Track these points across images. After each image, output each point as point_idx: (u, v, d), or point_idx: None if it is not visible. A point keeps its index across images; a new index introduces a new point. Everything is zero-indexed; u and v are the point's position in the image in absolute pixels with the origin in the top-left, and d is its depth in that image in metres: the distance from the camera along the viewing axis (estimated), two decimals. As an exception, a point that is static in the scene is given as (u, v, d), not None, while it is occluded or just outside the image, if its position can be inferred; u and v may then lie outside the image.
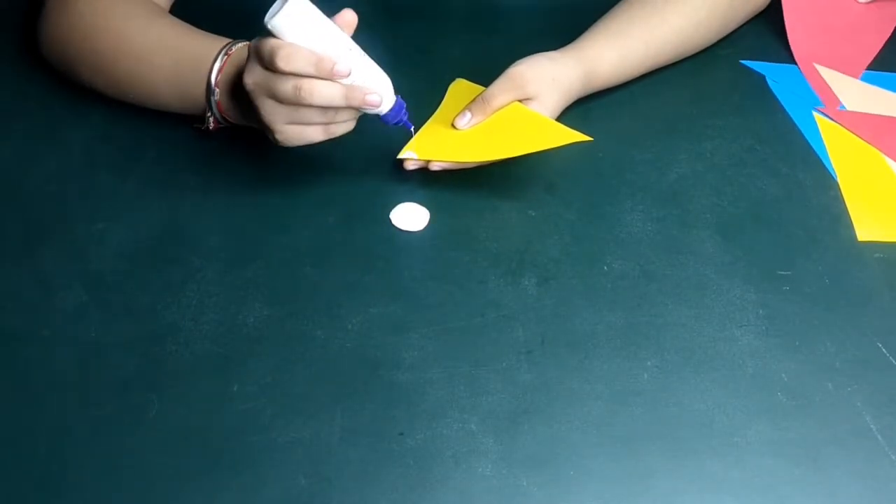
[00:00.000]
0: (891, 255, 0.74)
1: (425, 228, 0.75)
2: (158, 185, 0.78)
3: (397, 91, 0.72)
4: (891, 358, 0.68)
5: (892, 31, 0.93)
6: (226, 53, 0.75)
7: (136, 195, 0.77)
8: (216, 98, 0.75)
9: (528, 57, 0.80)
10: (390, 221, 0.76)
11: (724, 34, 0.91)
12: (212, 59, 0.75)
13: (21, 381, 0.65)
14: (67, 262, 0.72)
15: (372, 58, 0.70)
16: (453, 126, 0.78)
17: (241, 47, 0.75)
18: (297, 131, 0.70)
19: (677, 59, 0.88)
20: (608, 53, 0.83)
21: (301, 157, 0.75)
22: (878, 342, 0.69)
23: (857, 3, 0.94)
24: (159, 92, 0.78)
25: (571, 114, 0.82)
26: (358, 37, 0.70)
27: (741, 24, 0.92)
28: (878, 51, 0.91)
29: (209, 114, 0.76)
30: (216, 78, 0.74)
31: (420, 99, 0.83)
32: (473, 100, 0.78)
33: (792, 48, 0.91)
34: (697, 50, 0.89)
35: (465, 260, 0.73)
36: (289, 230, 0.75)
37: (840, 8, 0.94)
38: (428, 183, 0.78)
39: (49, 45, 0.82)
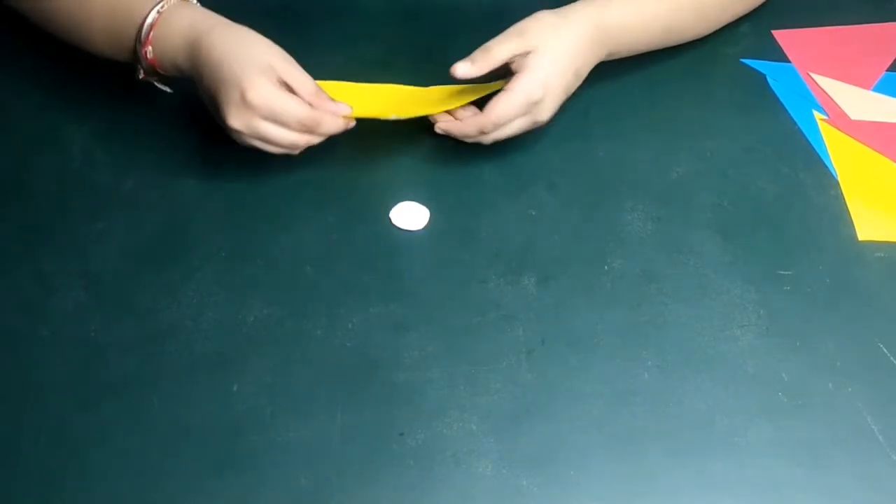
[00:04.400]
0: (891, 255, 0.74)
1: (425, 228, 0.75)
2: (158, 184, 0.78)
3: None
4: (891, 357, 0.68)
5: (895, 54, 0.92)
6: (158, 11, 0.73)
7: (135, 195, 0.77)
8: (149, 56, 0.74)
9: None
10: (390, 221, 0.76)
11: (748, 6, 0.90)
12: (144, 14, 0.73)
13: (21, 381, 0.65)
14: (67, 261, 0.72)
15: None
16: (451, 73, 0.75)
17: (174, 4, 0.74)
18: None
19: (699, 24, 0.86)
20: (622, 6, 0.80)
21: (301, 156, 0.74)
22: (879, 342, 0.69)
23: (857, 30, 0.93)
24: (92, 37, 0.78)
25: (571, 112, 0.81)
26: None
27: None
28: (883, 72, 0.90)
29: (139, 66, 0.76)
30: (147, 34, 0.73)
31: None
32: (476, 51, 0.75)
33: (795, 65, 0.91)
34: (721, 19, 0.88)
35: (465, 260, 0.73)
36: (289, 230, 0.75)
37: (841, 38, 0.94)
38: (428, 182, 0.78)
39: None
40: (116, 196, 0.77)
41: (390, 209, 0.76)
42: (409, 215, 0.76)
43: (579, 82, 0.79)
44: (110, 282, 0.71)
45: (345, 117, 0.74)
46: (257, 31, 0.73)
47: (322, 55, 0.89)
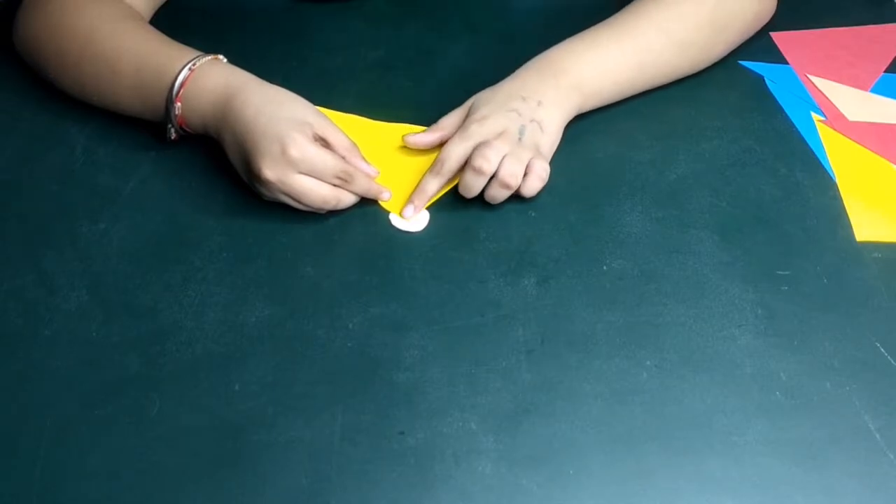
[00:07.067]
0: (889, 255, 0.75)
1: (425, 228, 0.76)
2: (160, 185, 0.78)
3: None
4: (889, 357, 0.68)
5: (893, 55, 0.93)
6: (189, 69, 0.74)
7: (137, 195, 0.77)
8: (177, 112, 0.75)
9: None
10: (390, 221, 0.76)
11: (721, 41, 0.87)
12: (175, 71, 0.74)
13: (22, 381, 0.65)
14: (69, 261, 0.72)
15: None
16: (405, 141, 0.79)
17: (206, 62, 0.75)
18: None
19: (667, 53, 0.83)
20: (573, 42, 0.81)
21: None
22: (877, 342, 0.69)
23: (855, 31, 0.94)
24: (121, 98, 0.78)
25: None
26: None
27: (742, 33, 0.89)
28: (881, 73, 0.91)
29: (170, 125, 0.76)
30: (178, 92, 0.74)
31: (423, 99, 0.84)
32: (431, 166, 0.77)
33: (792, 66, 0.91)
34: (692, 48, 0.85)
35: (465, 260, 0.73)
36: (289, 230, 0.75)
37: (838, 39, 0.94)
38: (428, 183, 0.78)
39: (21, 42, 0.83)
40: (118, 196, 0.77)
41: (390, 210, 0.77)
42: (409, 216, 0.76)
43: (531, 105, 0.77)
44: (112, 282, 0.71)
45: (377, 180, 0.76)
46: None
47: (323, 57, 0.89)
